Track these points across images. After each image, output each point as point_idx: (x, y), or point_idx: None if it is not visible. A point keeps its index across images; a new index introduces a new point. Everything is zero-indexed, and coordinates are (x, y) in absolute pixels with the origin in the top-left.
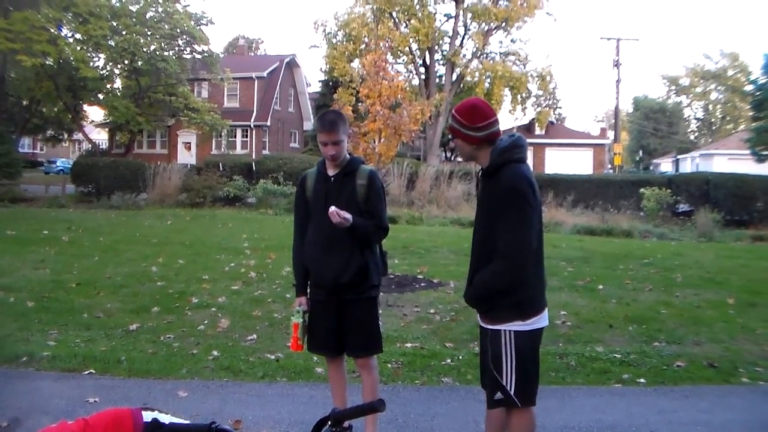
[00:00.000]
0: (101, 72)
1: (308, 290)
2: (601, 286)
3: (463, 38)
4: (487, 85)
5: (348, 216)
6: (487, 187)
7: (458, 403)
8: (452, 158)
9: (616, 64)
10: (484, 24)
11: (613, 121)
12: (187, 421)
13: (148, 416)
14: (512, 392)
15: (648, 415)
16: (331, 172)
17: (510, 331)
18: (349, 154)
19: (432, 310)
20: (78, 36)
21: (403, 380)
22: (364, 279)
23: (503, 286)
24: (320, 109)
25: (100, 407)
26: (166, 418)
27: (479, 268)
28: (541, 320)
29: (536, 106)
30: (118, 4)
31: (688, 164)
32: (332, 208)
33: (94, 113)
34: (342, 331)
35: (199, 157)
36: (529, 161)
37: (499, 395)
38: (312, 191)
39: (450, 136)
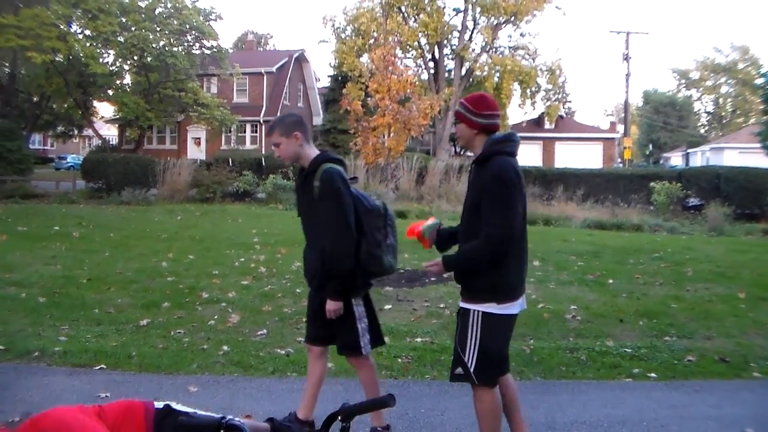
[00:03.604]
0: (111, 68)
1: None
2: (611, 281)
3: (472, 32)
4: (496, 79)
5: (335, 308)
6: (477, 175)
7: (469, 398)
8: (461, 153)
9: (626, 58)
10: (493, 18)
11: (623, 114)
12: (199, 411)
13: (160, 404)
14: (471, 369)
15: (658, 410)
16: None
17: (479, 311)
18: (324, 151)
19: (442, 305)
20: (87, 32)
21: (413, 375)
22: (321, 281)
23: (483, 261)
24: (330, 104)
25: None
26: (178, 406)
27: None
28: (514, 307)
29: (546, 100)
30: (127, 1)
31: (699, 158)
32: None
33: (104, 109)
34: (324, 325)
35: (209, 152)
36: (539, 155)
37: (459, 370)
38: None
39: (454, 120)
